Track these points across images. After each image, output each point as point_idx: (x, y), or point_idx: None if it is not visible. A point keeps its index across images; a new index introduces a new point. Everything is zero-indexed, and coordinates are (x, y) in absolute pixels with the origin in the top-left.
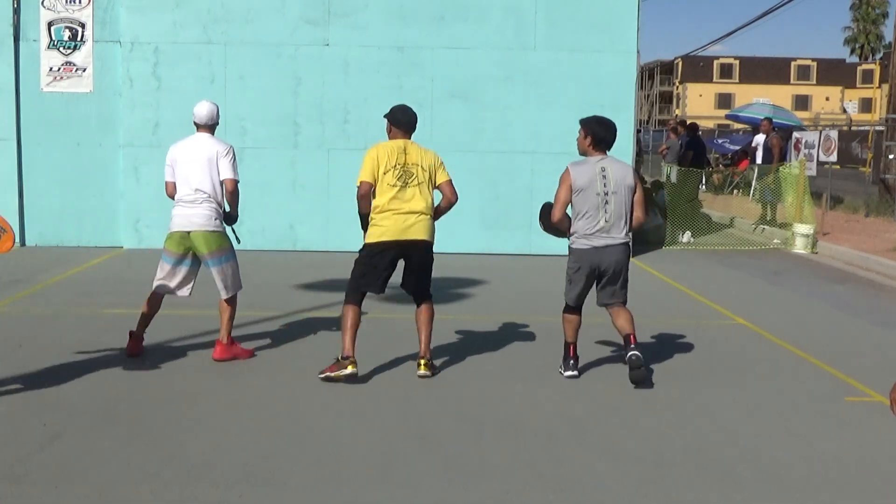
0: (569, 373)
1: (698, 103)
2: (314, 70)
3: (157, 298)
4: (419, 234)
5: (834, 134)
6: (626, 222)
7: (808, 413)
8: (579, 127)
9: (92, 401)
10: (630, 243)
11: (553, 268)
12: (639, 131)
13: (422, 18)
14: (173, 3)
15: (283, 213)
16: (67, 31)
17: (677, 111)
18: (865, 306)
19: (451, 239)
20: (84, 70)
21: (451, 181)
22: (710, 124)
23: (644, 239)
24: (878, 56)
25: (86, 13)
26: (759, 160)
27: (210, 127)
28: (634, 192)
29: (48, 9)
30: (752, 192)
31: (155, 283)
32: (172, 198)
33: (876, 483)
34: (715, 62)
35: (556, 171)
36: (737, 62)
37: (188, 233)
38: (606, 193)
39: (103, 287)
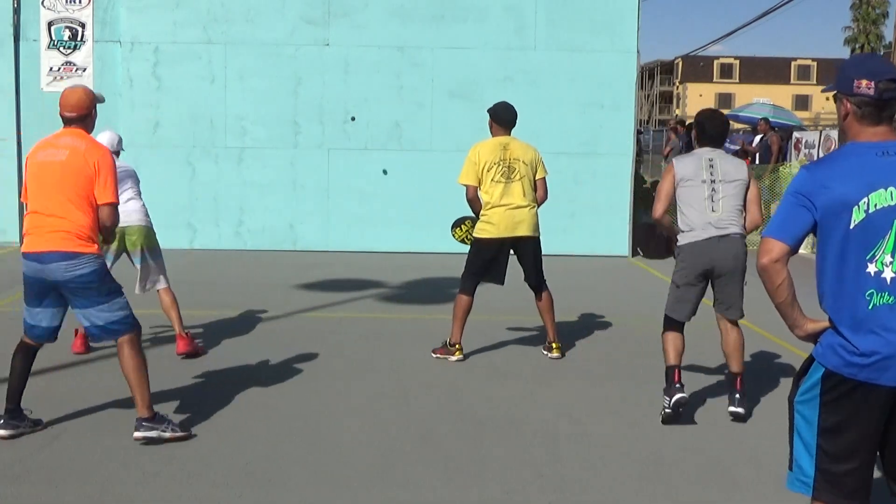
0: (677, 396)
1: (698, 103)
2: (314, 70)
3: None
4: (527, 230)
5: (834, 134)
6: (740, 216)
7: None
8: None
9: (92, 401)
10: (745, 242)
11: (553, 267)
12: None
13: (422, 18)
14: (173, 3)
15: (283, 213)
16: (67, 30)
17: (677, 111)
18: None
19: (451, 238)
20: (84, 70)
21: (545, 179)
22: None
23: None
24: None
25: (86, 13)
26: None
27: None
28: (748, 188)
29: (48, 9)
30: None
31: None
32: None
33: (876, 483)
34: (715, 62)
35: (555, 170)
36: (737, 62)
37: (124, 228)
38: (714, 181)
39: None
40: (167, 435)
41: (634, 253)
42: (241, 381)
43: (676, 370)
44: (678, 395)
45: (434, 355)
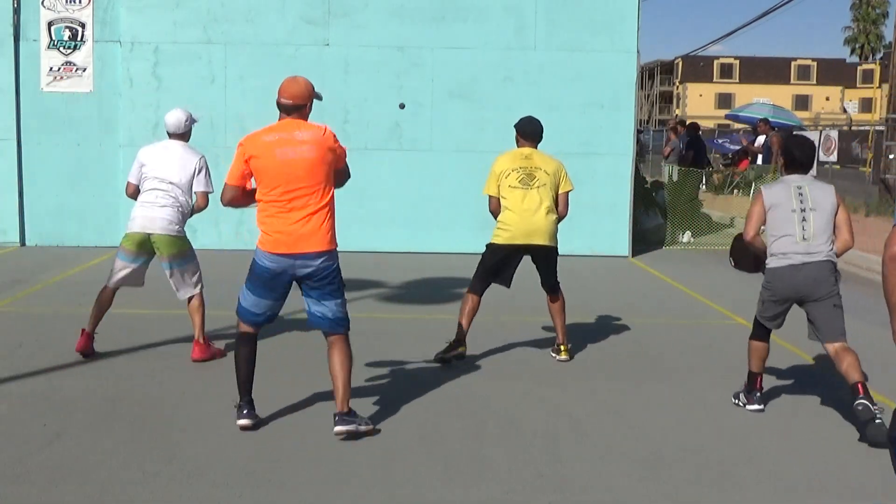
0: (753, 406)
1: (698, 103)
2: (314, 70)
3: (110, 295)
4: (542, 239)
5: (834, 134)
6: (829, 241)
7: (807, 413)
8: (781, 150)
9: (92, 401)
10: (836, 264)
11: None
12: (640, 132)
13: (422, 18)
14: (173, 3)
15: None
16: (67, 30)
17: (677, 111)
18: (865, 306)
19: (451, 238)
20: (84, 70)
21: (568, 193)
22: (711, 124)
23: (644, 239)
24: (879, 56)
25: (86, 13)
26: (759, 160)
27: (181, 135)
28: (837, 213)
29: (48, 9)
30: (751, 192)
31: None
32: (134, 198)
33: (876, 483)
34: (715, 62)
35: None
36: (737, 62)
37: (149, 235)
38: (804, 210)
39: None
40: (363, 428)
41: (635, 253)
42: None
43: (759, 378)
44: (756, 407)
45: (439, 354)
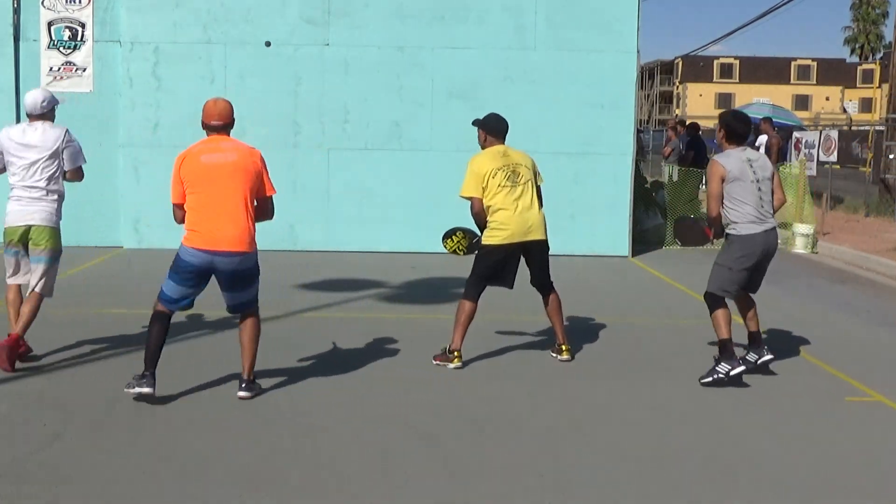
0: (739, 368)
1: (698, 103)
2: (314, 70)
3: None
4: (538, 234)
5: (834, 134)
6: (773, 208)
7: (808, 413)
8: (720, 123)
9: (92, 401)
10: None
11: (553, 267)
12: (641, 131)
13: (422, 18)
14: (173, 3)
15: (283, 214)
16: (67, 30)
17: (677, 111)
18: (865, 306)
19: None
20: (84, 70)
21: (541, 186)
22: (711, 124)
23: (644, 239)
24: (878, 56)
25: (86, 13)
26: None
27: (42, 116)
28: (773, 177)
29: (48, 9)
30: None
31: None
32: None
33: (876, 483)
34: (715, 62)
35: (555, 170)
36: (737, 62)
37: (29, 227)
38: (759, 181)
39: (103, 287)
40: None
41: (635, 253)
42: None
43: (731, 342)
44: (741, 368)
45: (434, 362)
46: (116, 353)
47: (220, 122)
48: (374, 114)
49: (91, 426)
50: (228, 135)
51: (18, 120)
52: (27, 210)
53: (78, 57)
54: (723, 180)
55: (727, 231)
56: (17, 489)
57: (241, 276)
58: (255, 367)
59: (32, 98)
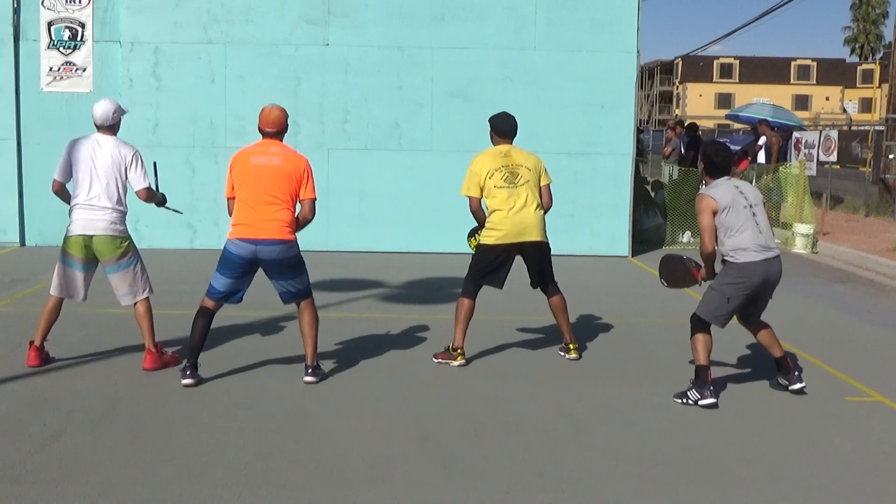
0: (709, 400)
1: (698, 103)
2: (314, 70)
3: (57, 304)
4: (534, 235)
5: (834, 134)
6: (772, 234)
7: (808, 413)
8: (700, 157)
9: (92, 401)
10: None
11: (553, 267)
12: (641, 131)
13: (422, 18)
14: (173, 3)
15: None
16: (67, 30)
17: (677, 111)
18: (865, 306)
19: (450, 238)
20: (84, 70)
21: (550, 185)
22: (710, 124)
23: (644, 239)
24: (878, 56)
25: (86, 13)
26: (762, 159)
27: (110, 128)
28: (764, 204)
29: (48, 9)
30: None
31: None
32: (58, 195)
33: (876, 483)
34: (715, 62)
35: (555, 170)
36: (737, 62)
37: (91, 237)
38: (751, 205)
39: (103, 287)
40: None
41: (635, 253)
42: (241, 381)
43: (709, 370)
44: (711, 400)
45: (435, 360)
46: (116, 353)
47: (273, 130)
48: (374, 114)
49: (91, 426)
50: (281, 140)
51: (18, 119)
52: (89, 218)
53: (78, 57)
54: (714, 213)
55: (725, 258)
56: (17, 489)
57: (286, 265)
58: (317, 353)
59: (104, 109)
